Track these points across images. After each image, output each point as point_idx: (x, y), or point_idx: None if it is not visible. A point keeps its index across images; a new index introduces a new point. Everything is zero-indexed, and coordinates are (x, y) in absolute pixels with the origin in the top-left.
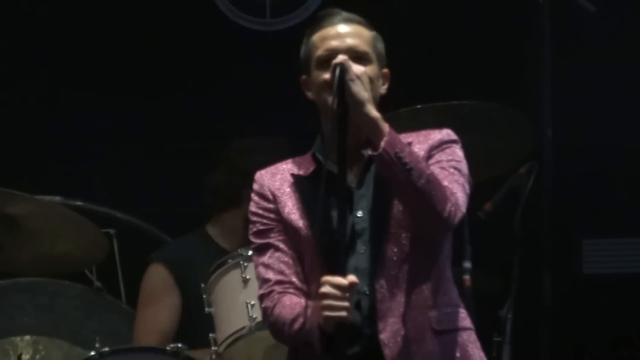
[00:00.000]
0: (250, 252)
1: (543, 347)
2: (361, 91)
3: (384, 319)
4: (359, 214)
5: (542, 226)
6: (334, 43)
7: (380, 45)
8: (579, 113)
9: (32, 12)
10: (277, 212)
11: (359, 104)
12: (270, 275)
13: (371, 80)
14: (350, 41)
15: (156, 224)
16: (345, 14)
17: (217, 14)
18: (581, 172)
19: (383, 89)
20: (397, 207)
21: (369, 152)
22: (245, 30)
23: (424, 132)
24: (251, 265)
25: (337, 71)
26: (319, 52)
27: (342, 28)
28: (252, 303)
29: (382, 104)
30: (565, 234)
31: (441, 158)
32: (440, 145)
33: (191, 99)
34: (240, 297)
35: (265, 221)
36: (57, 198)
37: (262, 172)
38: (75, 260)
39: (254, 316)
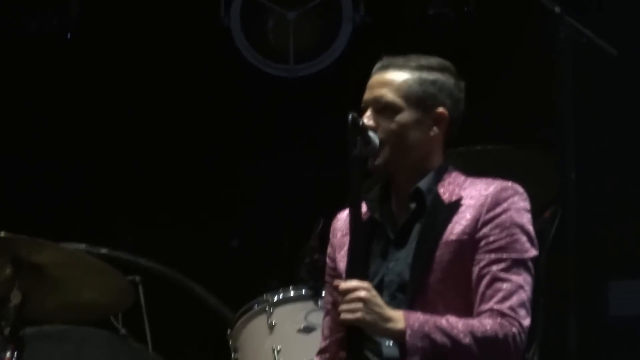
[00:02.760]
0: (276, 298)
1: None
2: (353, 315)
3: None
4: (391, 265)
5: (567, 269)
6: (366, 94)
7: (422, 88)
8: (602, 155)
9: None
10: (334, 258)
11: (368, 328)
12: (321, 338)
13: (401, 127)
14: (376, 92)
15: (181, 271)
16: (385, 61)
17: (240, 61)
18: (606, 213)
19: (434, 130)
20: (437, 275)
21: (414, 205)
22: (269, 76)
23: (479, 182)
24: (277, 311)
25: (350, 121)
26: None
27: (376, 78)
28: (278, 348)
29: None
30: (592, 276)
31: (494, 244)
32: (494, 208)
33: (216, 147)
34: (267, 343)
35: (328, 268)
36: (82, 246)
37: (342, 212)
38: (101, 307)
39: None
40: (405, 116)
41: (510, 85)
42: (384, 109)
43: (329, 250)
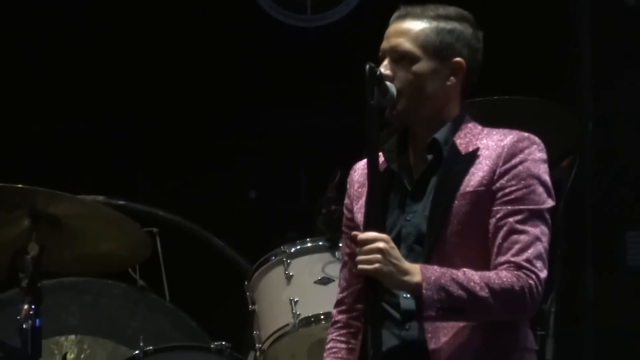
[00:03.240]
0: (293, 249)
1: (586, 340)
2: (370, 267)
3: (430, 331)
4: (409, 217)
5: (584, 219)
6: (383, 44)
7: (439, 37)
8: (620, 106)
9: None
10: (351, 209)
11: (384, 280)
12: (338, 289)
13: (418, 76)
14: (393, 41)
15: (199, 222)
16: (402, 10)
17: (258, 10)
18: (623, 163)
19: (451, 80)
20: (454, 227)
21: (431, 156)
22: (286, 26)
23: (495, 133)
24: (294, 262)
25: (367, 71)
26: None
27: (393, 27)
28: (295, 300)
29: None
30: (609, 226)
31: (511, 196)
32: (511, 159)
33: (234, 98)
34: (284, 294)
35: (345, 219)
36: (100, 197)
37: (359, 163)
38: (119, 259)
39: (298, 313)
40: (422, 66)
41: (529, 36)
42: (401, 59)
43: (346, 201)
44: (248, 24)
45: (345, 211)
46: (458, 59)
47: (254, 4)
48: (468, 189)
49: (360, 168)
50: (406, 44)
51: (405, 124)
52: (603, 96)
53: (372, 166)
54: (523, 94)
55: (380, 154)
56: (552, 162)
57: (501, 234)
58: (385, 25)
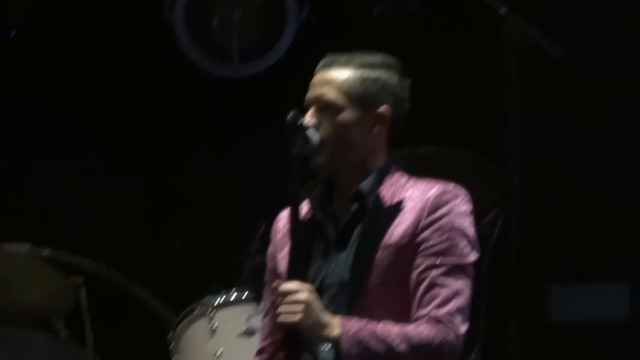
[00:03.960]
0: (217, 301)
1: None
2: (291, 318)
3: None
4: (332, 267)
5: (508, 273)
6: (308, 93)
7: (363, 86)
8: (546, 159)
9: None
10: (275, 258)
11: (305, 331)
12: (260, 337)
13: (342, 126)
14: (318, 90)
15: (125, 272)
16: (328, 58)
17: (182, 60)
18: (548, 218)
19: (376, 129)
20: (376, 278)
21: (355, 206)
22: (211, 76)
23: (421, 184)
24: (219, 314)
25: (289, 119)
26: None
27: (318, 76)
28: (219, 353)
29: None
30: (532, 281)
31: (433, 249)
32: (435, 212)
33: (158, 148)
34: (208, 347)
35: (268, 268)
36: (25, 246)
37: (284, 212)
38: (43, 309)
39: None
40: (346, 115)
41: (455, 87)
42: (326, 108)
43: (270, 249)
44: (172, 70)
45: (268, 259)
46: (383, 108)
47: (178, 52)
48: (391, 240)
49: (284, 217)
50: (330, 94)
51: (329, 173)
52: (530, 150)
53: (294, 215)
54: (450, 144)
55: (306, 202)
56: (477, 215)
57: (422, 287)
58: (313, 74)
